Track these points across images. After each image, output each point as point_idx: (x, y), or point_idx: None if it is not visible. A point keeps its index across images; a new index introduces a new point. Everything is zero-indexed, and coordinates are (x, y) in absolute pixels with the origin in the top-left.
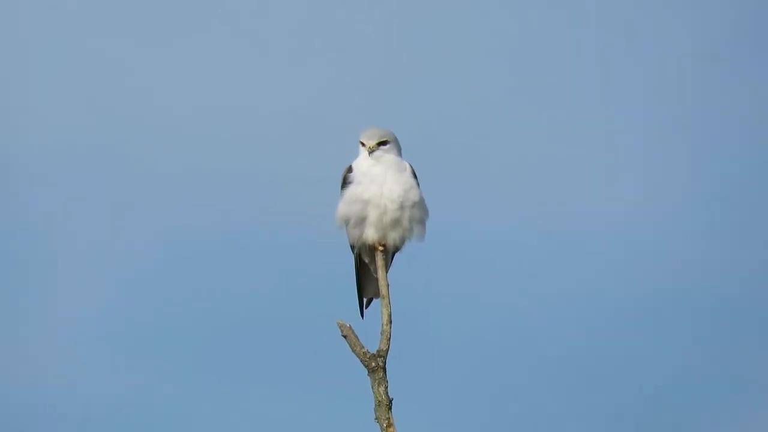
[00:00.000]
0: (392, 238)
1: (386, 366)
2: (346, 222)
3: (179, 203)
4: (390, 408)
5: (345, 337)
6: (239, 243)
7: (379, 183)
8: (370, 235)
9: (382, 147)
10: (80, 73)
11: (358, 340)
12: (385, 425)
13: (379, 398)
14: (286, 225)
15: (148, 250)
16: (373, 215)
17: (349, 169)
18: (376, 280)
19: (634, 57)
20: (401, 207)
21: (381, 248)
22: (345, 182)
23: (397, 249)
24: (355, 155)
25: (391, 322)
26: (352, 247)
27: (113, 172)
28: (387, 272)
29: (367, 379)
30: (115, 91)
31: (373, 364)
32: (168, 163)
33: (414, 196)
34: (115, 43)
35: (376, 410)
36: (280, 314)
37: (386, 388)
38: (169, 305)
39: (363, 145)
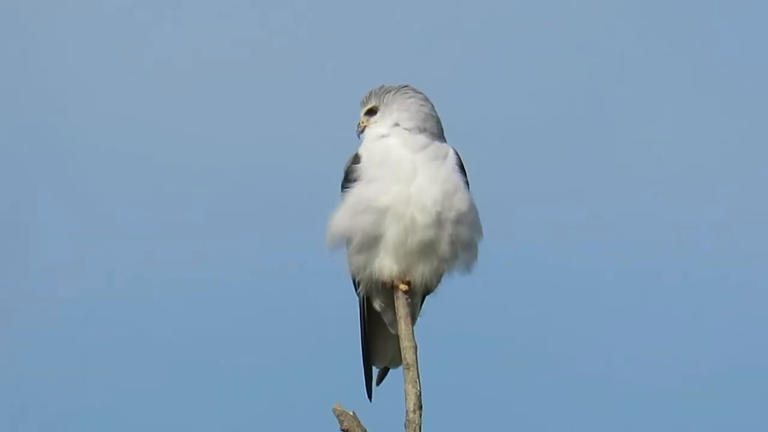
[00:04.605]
0: (421, 272)
1: None
2: (346, 243)
3: (178, 200)
4: None
5: (345, 431)
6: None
7: (405, 179)
8: (387, 267)
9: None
10: (77, 63)
11: None
12: None
13: None
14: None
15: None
16: (392, 234)
17: (356, 158)
18: (396, 339)
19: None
20: (438, 222)
21: (404, 288)
22: (348, 178)
23: (428, 290)
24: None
25: (421, 407)
26: (356, 285)
27: (109, 165)
28: (414, 326)
29: None
30: (113, 84)
31: None
32: (167, 161)
33: (460, 202)
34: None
35: None
36: (241, 393)
37: None
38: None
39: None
